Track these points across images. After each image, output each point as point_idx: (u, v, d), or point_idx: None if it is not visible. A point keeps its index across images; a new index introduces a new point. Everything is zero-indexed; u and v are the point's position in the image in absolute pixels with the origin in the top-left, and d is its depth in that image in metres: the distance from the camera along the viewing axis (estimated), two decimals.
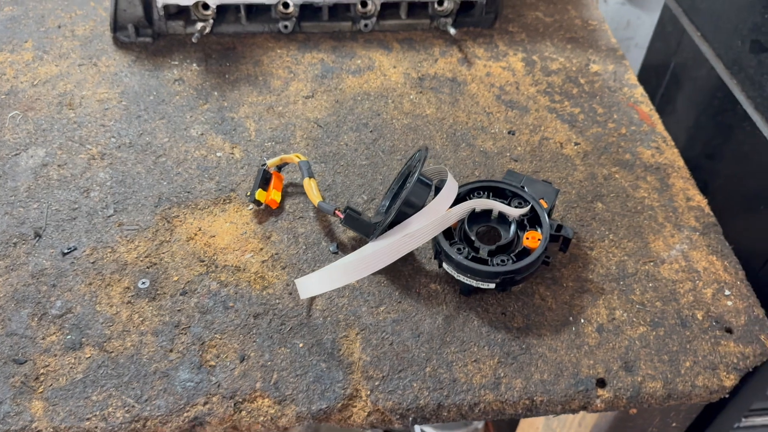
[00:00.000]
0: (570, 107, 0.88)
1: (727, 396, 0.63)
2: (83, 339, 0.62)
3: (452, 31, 0.94)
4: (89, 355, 0.61)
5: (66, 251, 0.69)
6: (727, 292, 0.68)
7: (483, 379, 0.61)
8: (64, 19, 0.97)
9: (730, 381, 0.62)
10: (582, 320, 0.65)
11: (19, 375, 0.59)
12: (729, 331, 0.66)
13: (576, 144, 0.83)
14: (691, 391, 0.62)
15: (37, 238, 0.70)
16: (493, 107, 0.87)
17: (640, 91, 0.91)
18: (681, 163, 0.81)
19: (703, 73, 0.98)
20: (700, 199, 0.77)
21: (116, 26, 0.92)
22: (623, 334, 0.65)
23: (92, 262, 0.68)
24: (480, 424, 1.40)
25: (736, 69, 0.90)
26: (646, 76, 1.17)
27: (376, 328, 0.64)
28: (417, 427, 1.31)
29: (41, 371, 0.60)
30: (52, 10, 0.98)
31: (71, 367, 0.60)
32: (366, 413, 0.59)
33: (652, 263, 0.71)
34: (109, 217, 0.72)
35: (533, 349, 0.63)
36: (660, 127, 0.86)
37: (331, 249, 0.71)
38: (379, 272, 0.67)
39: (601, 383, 0.62)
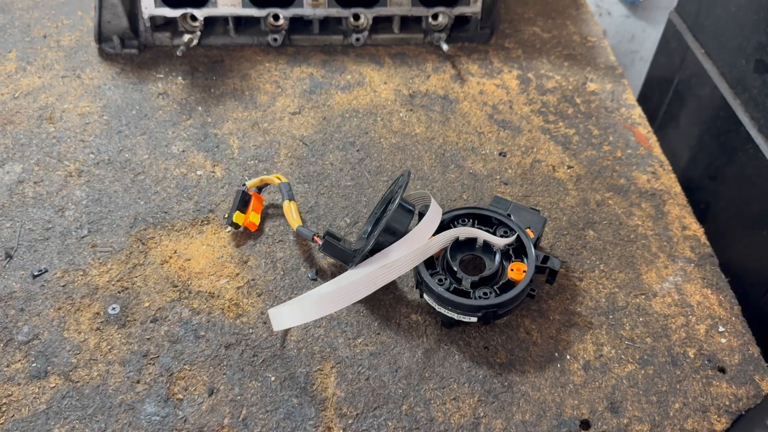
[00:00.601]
0: (564, 128, 0.85)
1: None
2: (48, 367, 0.60)
3: (445, 47, 0.92)
4: (54, 385, 0.59)
5: (36, 273, 0.67)
6: (721, 329, 0.65)
7: (462, 419, 0.58)
8: (50, 28, 0.95)
9: (721, 425, 0.59)
10: (568, 356, 0.63)
11: None
12: (722, 370, 0.63)
13: (569, 167, 0.80)
14: None
15: (7, 259, 0.68)
16: (485, 127, 0.84)
17: (638, 112, 0.88)
18: (678, 189, 0.78)
19: (707, 91, 0.95)
20: (696, 228, 0.74)
21: (101, 37, 0.90)
22: (610, 372, 0.62)
23: (63, 286, 0.66)
24: None
25: (740, 89, 0.87)
26: (649, 91, 1.14)
27: (353, 361, 0.62)
28: None
29: (3, 401, 0.58)
30: (39, 19, 0.96)
31: (35, 397, 0.58)
32: None
33: (643, 296, 0.68)
34: (82, 237, 0.70)
35: (516, 386, 0.60)
36: (657, 150, 0.83)
37: (309, 275, 0.68)
38: (359, 300, 0.64)
39: (585, 425, 0.59)
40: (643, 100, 1.13)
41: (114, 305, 0.64)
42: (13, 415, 0.57)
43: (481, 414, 0.59)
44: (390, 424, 0.58)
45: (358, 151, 0.81)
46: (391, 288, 0.67)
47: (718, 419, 0.59)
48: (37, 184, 0.75)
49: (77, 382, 0.59)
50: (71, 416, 0.57)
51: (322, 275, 0.68)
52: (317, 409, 0.58)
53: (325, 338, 0.63)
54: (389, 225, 0.63)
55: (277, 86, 0.89)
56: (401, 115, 0.86)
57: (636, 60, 1.36)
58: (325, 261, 0.69)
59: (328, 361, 0.62)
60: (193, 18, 0.91)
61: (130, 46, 0.91)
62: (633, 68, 1.35)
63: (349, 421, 0.58)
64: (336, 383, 0.60)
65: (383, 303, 0.66)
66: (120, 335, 0.62)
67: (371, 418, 0.58)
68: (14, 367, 0.60)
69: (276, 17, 0.92)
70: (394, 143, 0.82)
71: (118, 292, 0.65)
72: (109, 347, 0.61)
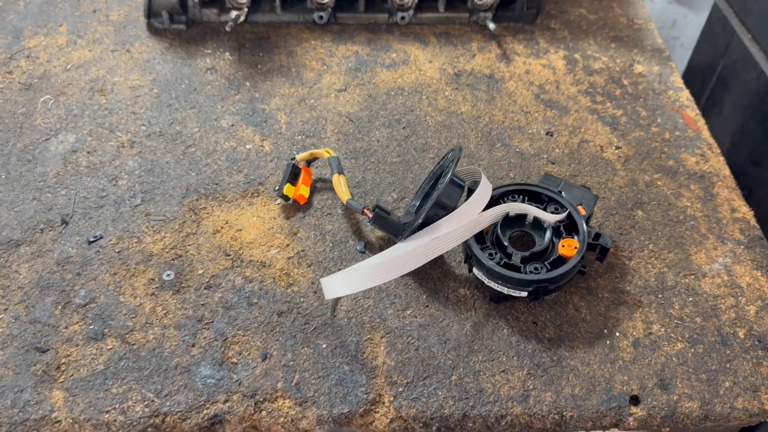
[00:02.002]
0: (612, 109, 0.84)
1: None
2: (106, 330, 0.61)
3: (491, 26, 0.92)
4: (111, 347, 0.60)
5: (92, 239, 0.68)
6: None
7: (511, 391, 0.59)
8: (99, 3, 0.96)
9: None
10: (617, 333, 0.63)
11: (41, 363, 0.59)
12: None
13: (617, 148, 0.80)
14: (730, 413, 0.59)
15: (63, 225, 0.69)
16: (532, 106, 0.84)
17: (685, 95, 0.87)
18: (727, 171, 0.78)
19: (753, 76, 0.94)
20: (745, 211, 0.73)
21: (150, 12, 0.91)
22: (660, 349, 0.62)
23: (117, 252, 0.67)
24: None
25: None
26: (691, 78, 1.13)
27: (402, 332, 0.62)
28: None
29: (63, 360, 0.59)
30: None
31: (93, 358, 0.60)
32: (388, 420, 0.58)
33: (692, 276, 0.67)
34: (136, 206, 0.71)
35: (565, 361, 0.61)
36: (706, 133, 0.82)
37: (358, 248, 0.69)
38: (407, 274, 0.65)
39: (635, 401, 0.59)
40: (685, 85, 1.13)
41: (168, 272, 0.66)
42: (73, 375, 0.59)
43: (531, 387, 0.59)
44: (440, 393, 0.58)
45: (404, 128, 0.82)
46: (438, 262, 0.68)
47: None
48: (90, 154, 0.76)
49: (134, 344, 0.61)
50: (128, 377, 0.59)
51: (371, 248, 0.69)
52: (368, 377, 0.59)
53: (374, 309, 0.64)
54: (440, 200, 0.64)
55: (323, 63, 0.90)
56: (446, 93, 0.86)
57: (677, 46, 1.35)
58: (373, 234, 0.70)
59: (378, 331, 0.62)
60: None
61: (178, 21, 0.92)
62: (674, 54, 1.33)
63: (400, 389, 0.59)
64: (386, 352, 0.61)
65: (431, 277, 0.67)
66: (175, 300, 0.64)
67: (421, 387, 0.59)
68: (72, 329, 0.61)
69: None
70: (440, 121, 0.82)
71: (172, 260, 0.67)
72: (164, 312, 0.63)
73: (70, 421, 0.56)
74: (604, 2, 1.01)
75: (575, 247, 0.62)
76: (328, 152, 0.73)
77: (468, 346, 0.62)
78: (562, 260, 0.62)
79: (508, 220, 0.66)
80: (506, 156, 0.78)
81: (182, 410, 0.57)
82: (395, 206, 0.73)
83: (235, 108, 0.83)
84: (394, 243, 0.67)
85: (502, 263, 0.62)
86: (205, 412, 0.57)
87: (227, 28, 0.89)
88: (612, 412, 0.58)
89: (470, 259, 0.64)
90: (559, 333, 0.63)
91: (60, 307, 0.63)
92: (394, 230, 0.67)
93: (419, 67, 0.89)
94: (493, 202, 0.66)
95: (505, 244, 0.63)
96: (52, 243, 0.68)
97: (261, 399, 0.58)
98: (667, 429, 0.61)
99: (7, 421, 0.56)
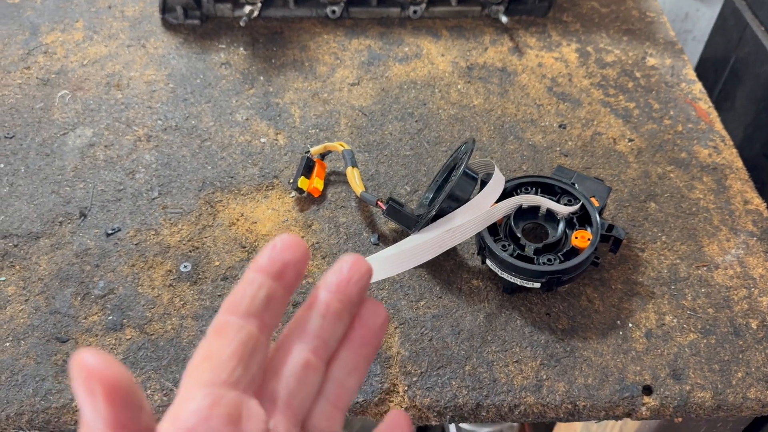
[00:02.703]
0: (625, 102, 0.85)
1: None
2: (124, 320, 0.63)
3: (504, 19, 0.92)
4: (130, 337, 0.62)
5: (110, 232, 0.69)
6: None
7: (524, 381, 0.59)
8: None
9: None
10: (630, 324, 0.63)
11: (62, 353, 0.60)
12: None
13: (630, 140, 0.80)
14: (742, 403, 0.59)
15: (82, 218, 0.70)
16: (544, 99, 0.85)
17: (698, 87, 0.87)
18: (739, 164, 0.78)
19: (766, 69, 0.94)
20: (758, 203, 0.73)
21: (165, 8, 0.92)
22: (672, 340, 0.62)
23: (135, 244, 0.68)
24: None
25: None
26: (703, 71, 1.13)
27: (416, 322, 0.63)
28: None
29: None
30: None
31: (112, 348, 0.61)
32: (403, 409, 0.58)
33: (705, 268, 0.68)
34: (153, 199, 0.72)
35: (578, 352, 0.61)
36: (718, 125, 0.82)
37: (372, 240, 0.69)
38: (420, 266, 0.66)
39: (648, 390, 0.59)
40: (697, 78, 1.12)
41: (186, 263, 0.67)
42: None
43: (544, 377, 0.60)
44: (454, 383, 0.59)
45: (416, 121, 0.82)
46: (452, 254, 0.68)
47: None
48: (107, 148, 0.77)
49: (152, 334, 0.62)
50: (147, 366, 0.60)
51: (384, 240, 0.70)
52: (383, 367, 0.60)
53: (388, 300, 0.65)
54: (453, 192, 0.64)
55: (336, 58, 0.90)
56: (459, 86, 0.86)
57: (689, 40, 1.34)
58: (386, 227, 0.71)
59: (392, 322, 0.63)
60: None
61: (192, 16, 0.93)
62: (686, 48, 1.33)
63: (414, 379, 0.59)
64: (400, 343, 0.62)
65: (444, 268, 0.67)
66: (192, 291, 0.65)
67: (435, 376, 0.60)
68: (91, 319, 0.63)
69: None
70: (453, 114, 0.83)
71: (189, 251, 0.68)
72: (182, 302, 0.64)
73: None
74: None
75: (588, 239, 0.62)
76: (341, 145, 0.74)
77: (481, 337, 0.62)
78: (575, 252, 0.62)
79: (522, 212, 0.66)
80: (519, 149, 0.79)
81: None
82: (408, 199, 0.74)
83: (249, 102, 0.83)
84: (408, 235, 0.67)
85: (515, 255, 0.62)
86: None
87: (242, 23, 0.90)
88: (625, 402, 0.59)
89: (483, 250, 0.64)
90: (572, 324, 0.63)
91: (79, 298, 0.64)
92: (407, 222, 0.67)
93: (432, 61, 0.90)
94: (506, 194, 0.66)
95: (519, 235, 0.63)
96: (71, 235, 0.69)
97: None
98: (680, 419, 0.61)
99: (29, 410, 0.57)
